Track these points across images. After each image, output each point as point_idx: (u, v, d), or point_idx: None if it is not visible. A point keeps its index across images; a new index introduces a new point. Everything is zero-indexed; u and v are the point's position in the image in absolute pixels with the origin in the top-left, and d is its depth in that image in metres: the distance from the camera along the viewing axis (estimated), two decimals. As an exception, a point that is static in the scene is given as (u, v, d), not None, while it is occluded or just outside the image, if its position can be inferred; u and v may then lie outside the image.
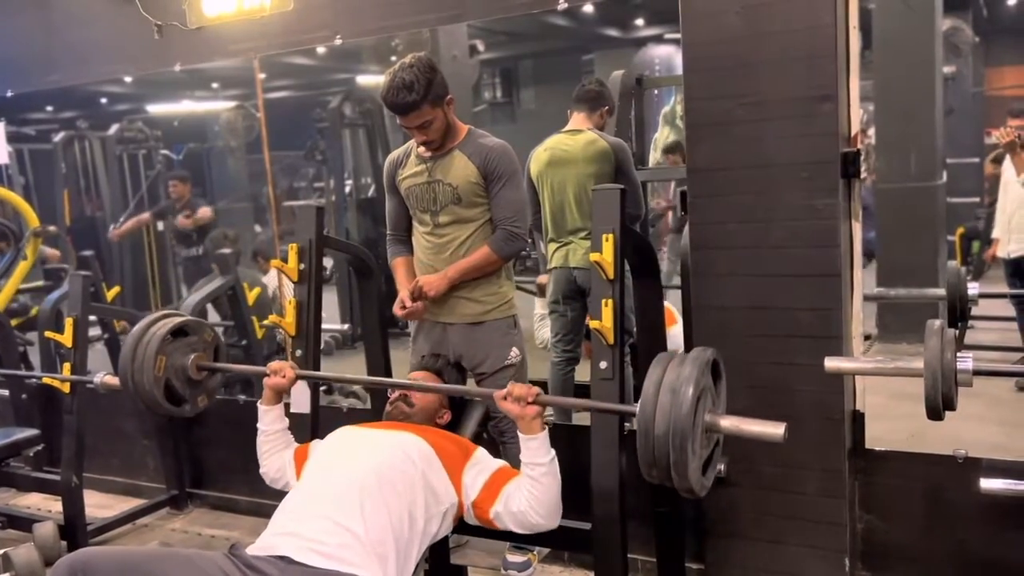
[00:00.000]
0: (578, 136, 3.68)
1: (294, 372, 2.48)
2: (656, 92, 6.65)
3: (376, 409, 3.07)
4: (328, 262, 5.95)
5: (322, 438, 2.45)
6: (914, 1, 5.83)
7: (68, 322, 3.59)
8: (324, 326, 2.94)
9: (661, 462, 1.81)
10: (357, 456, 2.21)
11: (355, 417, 3.35)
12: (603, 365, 2.21)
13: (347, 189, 7.40)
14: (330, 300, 5.75)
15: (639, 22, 7.72)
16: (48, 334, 3.98)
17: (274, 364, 2.49)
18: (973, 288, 3.38)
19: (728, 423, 1.90)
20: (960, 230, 6.36)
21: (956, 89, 8.19)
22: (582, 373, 3.69)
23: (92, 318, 4.14)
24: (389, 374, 3.23)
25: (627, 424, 2.19)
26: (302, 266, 2.78)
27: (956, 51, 7.57)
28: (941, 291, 3.44)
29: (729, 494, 2.82)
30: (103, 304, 4.59)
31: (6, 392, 4.56)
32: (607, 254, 2.21)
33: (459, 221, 2.84)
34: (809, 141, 2.62)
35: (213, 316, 5.52)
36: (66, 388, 3.62)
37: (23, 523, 3.73)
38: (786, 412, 2.60)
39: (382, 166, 3.10)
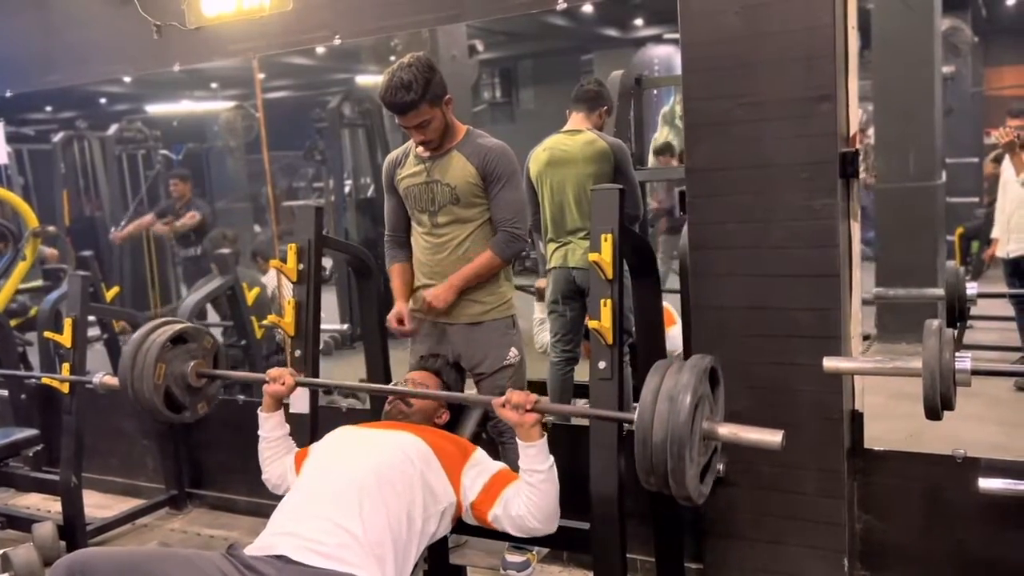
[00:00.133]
0: (577, 136, 3.68)
1: (293, 379, 2.48)
2: (655, 92, 6.63)
3: (375, 409, 3.07)
4: (327, 262, 5.94)
5: (321, 438, 2.45)
6: (913, 1, 5.83)
7: (67, 322, 3.59)
8: (323, 326, 2.95)
9: (659, 470, 1.81)
10: (356, 456, 2.21)
11: (354, 417, 3.35)
12: (602, 365, 2.21)
13: (346, 189, 7.38)
14: (329, 300, 5.74)
15: (638, 22, 7.70)
16: (47, 334, 3.97)
17: (273, 371, 2.49)
18: (972, 288, 3.37)
19: (726, 431, 1.89)
20: (959, 230, 6.34)
21: (955, 89, 8.18)
22: (581, 373, 3.69)
23: (91, 318, 4.15)
24: (388, 374, 3.23)
25: (626, 424, 2.19)
26: (301, 266, 2.79)
27: (955, 51, 7.57)
28: (940, 291, 3.43)
29: (728, 494, 2.82)
30: (102, 304, 4.60)
31: (5, 392, 4.56)
32: (606, 254, 2.22)
33: (457, 221, 2.84)
34: (808, 141, 2.62)
35: (212, 316, 5.52)
36: (65, 388, 3.62)
37: (22, 523, 3.73)
38: (785, 412, 2.62)
39: (381, 166, 3.10)
